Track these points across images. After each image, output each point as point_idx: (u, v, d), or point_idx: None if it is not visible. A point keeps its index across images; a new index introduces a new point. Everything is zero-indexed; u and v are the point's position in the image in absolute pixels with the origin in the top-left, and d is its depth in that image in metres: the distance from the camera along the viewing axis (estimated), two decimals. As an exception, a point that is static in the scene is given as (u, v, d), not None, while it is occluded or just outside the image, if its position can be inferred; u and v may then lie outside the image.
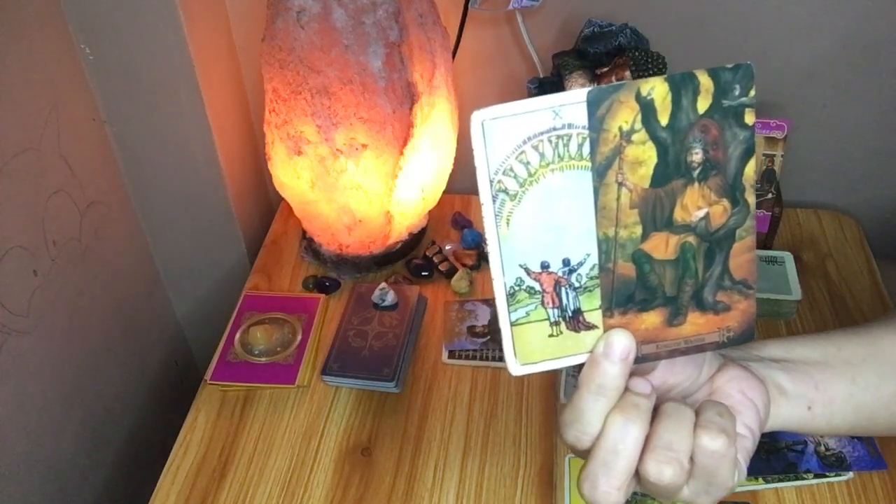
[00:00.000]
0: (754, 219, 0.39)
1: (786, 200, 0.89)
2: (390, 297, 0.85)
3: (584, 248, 0.39)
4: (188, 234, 1.00)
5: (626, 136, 0.37)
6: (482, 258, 0.93)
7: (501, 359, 0.82)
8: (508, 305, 0.40)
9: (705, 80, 0.37)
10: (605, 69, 0.83)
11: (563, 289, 0.40)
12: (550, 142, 0.37)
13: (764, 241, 0.91)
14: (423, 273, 0.92)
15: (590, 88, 0.36)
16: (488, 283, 0.91)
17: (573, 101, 0.36)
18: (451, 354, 0.83)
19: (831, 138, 0.97)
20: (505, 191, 0.38)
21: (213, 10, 0.90)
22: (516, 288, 0.40)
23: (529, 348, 0.41)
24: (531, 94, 0.88)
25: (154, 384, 1.02)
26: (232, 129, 0.96)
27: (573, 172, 0.38)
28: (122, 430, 0.94)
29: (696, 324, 0.41)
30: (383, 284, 0.86)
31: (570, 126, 0.37)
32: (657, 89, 0.36)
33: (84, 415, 0.85)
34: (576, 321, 0.41)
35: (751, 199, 0.39)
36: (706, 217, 0.39)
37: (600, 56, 0.85)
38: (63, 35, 0.80)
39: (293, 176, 0.84)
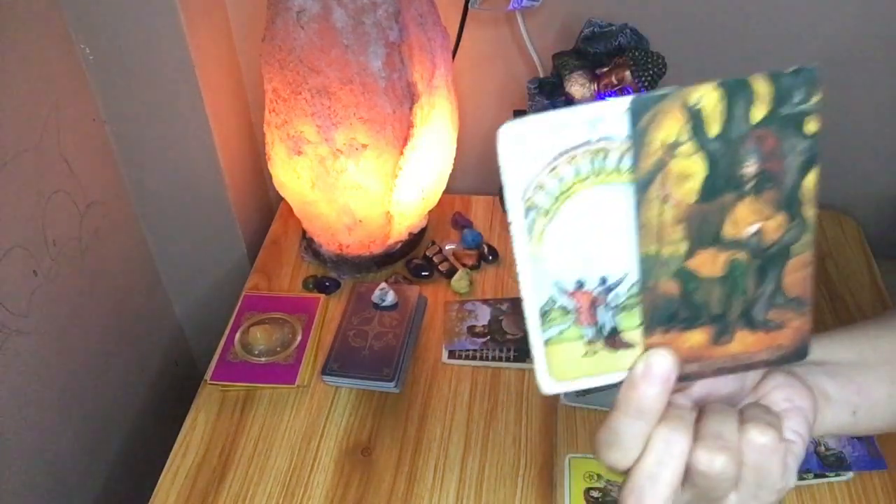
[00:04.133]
0: (814, 232, 0.36)
1: (786, 200, 0.89)
2: (390, 297, 0.85)
3: (623, 266, 0.36)
4: (188, 234, 1.00)
5: (671, 149, 0.34)
6: (482, 258, 0.93)
7: (502, 359, 0.82)
8: (541, 324, 0.37)
9: (762, 87, 0.34)
10: (605, 69, 0.83)
11: (599, 307, 0.37)
12: (587, 155, 0.34)
13: (764, 241, 0.91)
14: (423, 273, 0.92)
15: (632, 97, 0.33)
16: (488, 283, 0.91)
17: (612, 113, 0.33)
18: (451, 354, 0.83)
19: (831, 138, 0.97)
20: (536, 207, 0.35)
21: (213, 10, 0.90)
22: (549, 307, 0.37)
23: (563, 367, 0.38)
24: (531, 94, 0.88)
25: (154, 384, 1.02)
26: (232, 129, 0.96)
27: (612, 186, 0.35)
28: (123, 429, 0.94)
29: (744, 342, 0.38)
30: (383, 284, 0.86)
31: (608, 139, 0.34)
32: (707, 98, 0.33)
33: (84, 415, 0.85)
34: (613, 339, 0.38)
35: (810, 212, 0.36)
36: (759, 233, 0.36)
37: (600, 56, 0.85)
38: (63, 35, 0.80)
39: (293, 176, 0.84)
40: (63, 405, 0.81)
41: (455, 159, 0.90)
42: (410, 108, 0.79)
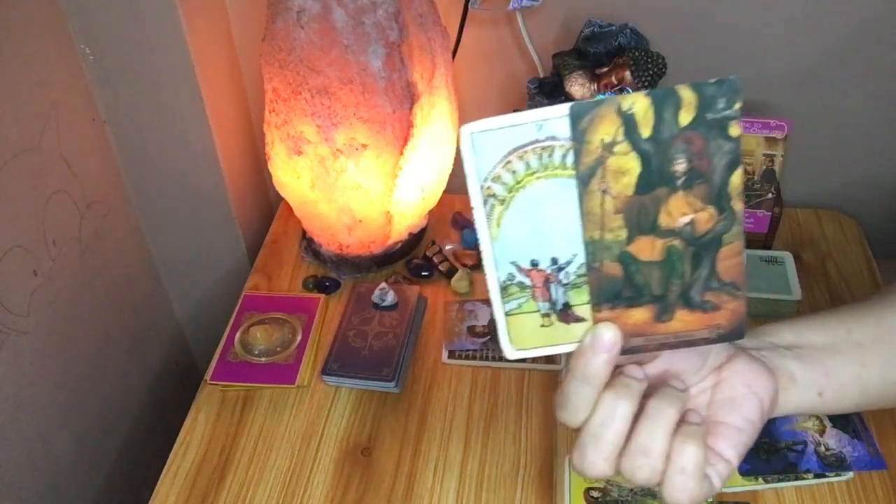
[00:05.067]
0: (742, 224, 0.40)
1: (786, 200, 0.89)
2: (390, 297, 0.85)
3: (571, 249, 0.41)
4: (188, 234, 1.00)
5: (608, 148, 0.39)
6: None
7: (502, 359, 0.82)
8: (502, 298, 0.43)
9: (688, 95, 0.38)
10: (605, 69, 0.83)
11: (552, 285, 0.42)
12: (535, 152, 0.39)
13: (764, 241, 0.91)
14: (423, 273, 0.92)
15: (572, 103, 0.38)
16: (488, 283, 0.91)
17: (556, 116, 0.38)
18: (451, 354, 0.83)
19: (831, 138, 0.97)
20: (494, 196, 0.40)
21: (213, 10, 0.90)
22: (508, 282, 0.42)
23: (522, 335, 0.43)
24: (531, 95, 0.88)
25: (154, 384, 1.02)
26: (232, 129, 0.96)
27: (558, 180, 0.40)
28: (123, 429, 0.94)
29: (684, 321, 0.42)
30: (383, 284, 0.86)
31: (553, 138, 0.39)
32: (638, 104, 0.38)
33: (84, 415, 0.85)
34: (565, 314, 0.43)
35: (737, 206, 0.40)
36: (691, 223, 0.40)
37: (600, 56, 0.85)
38: (63, 35, 0.80)
39: (293, 176, 0.84)
40: (63, 405, 0.81)
41: (455, 159, 0.90)
42: (410, 108, 0.79)
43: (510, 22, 0.92)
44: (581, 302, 0.42)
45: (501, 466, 0.73)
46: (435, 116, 0.82)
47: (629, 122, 0.38)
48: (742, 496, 0.70)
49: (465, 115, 0.92)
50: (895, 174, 1.00)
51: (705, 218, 0.40)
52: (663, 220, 0.40)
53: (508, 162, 0.40)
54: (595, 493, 0.69)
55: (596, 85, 0.83)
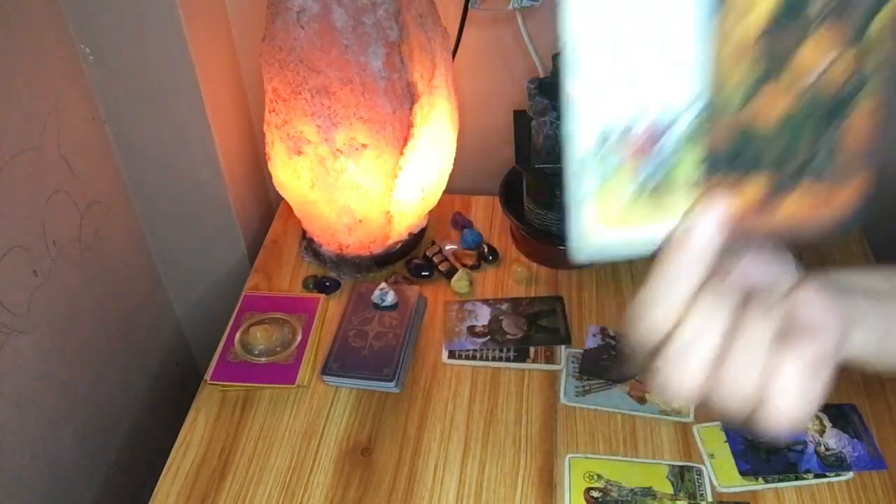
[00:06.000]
0: (888, 74, 0.33)
1: (786, 200, 0.89)
2: (390, 297, 0.85)
3: (678, 106, 0.33)
4: (188, 234, 1.00)
5: None
6: (482, 258, 0.93)
7: (502, 359, 0.82)
8: (582, 173, 0.34)
9: None
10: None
11: (651, 151, 0.34)
12: None
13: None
14: (423, 273, 0.92)
15: None
16: (489, 283, 0.91)
17: None
18: (451, 354, 0.83)
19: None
20: (589, 39, 0.32)
21: (213, 10, 0.90)
22: (594, 151, 0.34)
23: (602, 219, 0.35)
24: (531, 94, 0.88)
25: (154, 384, 1.02)
26: (232, 129, 0.96)
27: (671, 14, 0.32)
28: (123, 429, 0.94)
29: (799, 202, 0.35)
30: (383, 284, 0.86)
31: None
32: None
33: (84, 415, 0.85)
34: (662, 190, 0.35)
35: (884, 50, 0.32)
36: (827, 71, 0.32)
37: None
38: (63, 35, 0.80)
39: (293, 176, 0.84)
40: (63, 405, 0.81)
41: (455, 159, 0.90)
42: (410, 108, 0.79)
43: (510, 22, 0.92)
44: (681, 175, 0.34)
45: (501, 466, 0.73)
46: (435, 116, 0.82)
47: None
48: (742, 496, 0.70)
49: (465, 115, 0.92)
50: (895, 174, 1.00)
51: (844, 64, 0.32)
52: (795, 67, 0.32)
53: None
54: (595, 493, 0.69)
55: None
